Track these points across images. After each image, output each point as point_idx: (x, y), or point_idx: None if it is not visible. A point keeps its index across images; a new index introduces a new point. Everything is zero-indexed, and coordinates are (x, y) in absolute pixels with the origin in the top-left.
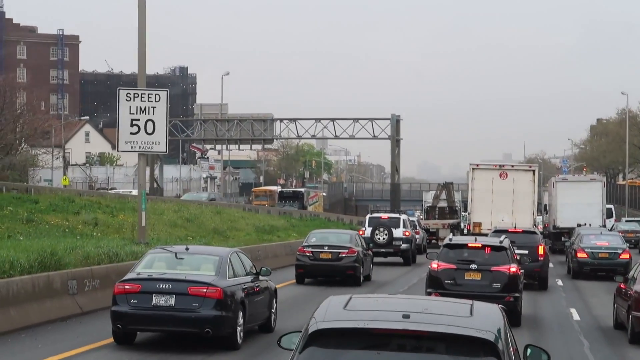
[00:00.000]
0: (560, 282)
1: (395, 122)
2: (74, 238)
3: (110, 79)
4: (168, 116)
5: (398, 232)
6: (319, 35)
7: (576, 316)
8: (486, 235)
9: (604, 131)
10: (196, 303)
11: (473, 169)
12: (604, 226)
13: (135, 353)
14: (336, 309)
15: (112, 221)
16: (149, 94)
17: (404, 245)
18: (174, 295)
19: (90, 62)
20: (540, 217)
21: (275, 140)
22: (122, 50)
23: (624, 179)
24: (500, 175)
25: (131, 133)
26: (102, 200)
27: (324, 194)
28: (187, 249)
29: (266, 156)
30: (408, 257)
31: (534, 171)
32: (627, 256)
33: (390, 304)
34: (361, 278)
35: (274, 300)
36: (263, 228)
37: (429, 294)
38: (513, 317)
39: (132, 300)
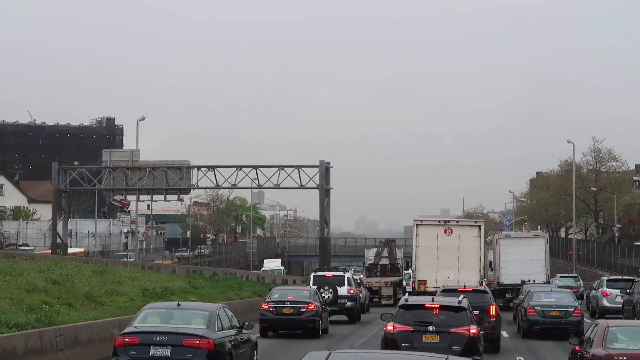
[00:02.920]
0: (511, 343)
1: (325, 169)
2: None
3: (31, 130)
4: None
5: (343, 290)
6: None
7: None
8: (432, 293)
9: (545, 184)
10: (190, 354)
11: (417, 225)
12: (548, 282)
13: None
14: None
15: None
16: None
17: (349, 304)
18: (170, 347)
19: (11, 112)
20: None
21: (192, 190)
22: (47, 99)
23: (566, 232)
24: (445, 231)
25: None
26: None
27: (255, 250)
28: (179, 305)
29: (198, 210)
30: (353, 315)
31: (479, 226)
32: (579, 314)
33: (371, 359)
34: (320, 331)
35: (255, 352)
36: (153, 292)
37: None
38: None
39: (132, 352)
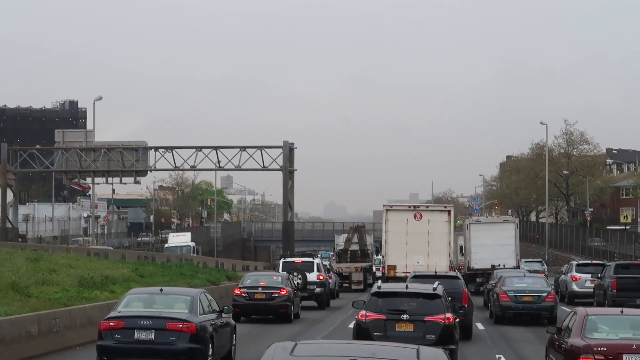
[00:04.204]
0: (482, 329)
1: (288, 150)
2: None
3: None
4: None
5: (312, 276)
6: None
7: None
8: (402, 279)
9: (516, 167)
10: (173, 337)
11: (387, 210)
12: (518, 267)
13: None
14: (282, 355)
15: None
16: None
17: (318, 289)
18: (154, 331)
19: None
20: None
21: (149, 172)
22: (11, 83)
23: (537, 216)
24: (415, 216)
25: None
26: None
27: (219, 235)
28: (161, 290)
29: (163, 194)
30: (323, 301)
31: (449, 211)
32: (552, 299)
33: (337, 350)
34: (292, 316)
35: (234, 335)
36: (91, 281)
37: None
38: None
39: (117, 335)
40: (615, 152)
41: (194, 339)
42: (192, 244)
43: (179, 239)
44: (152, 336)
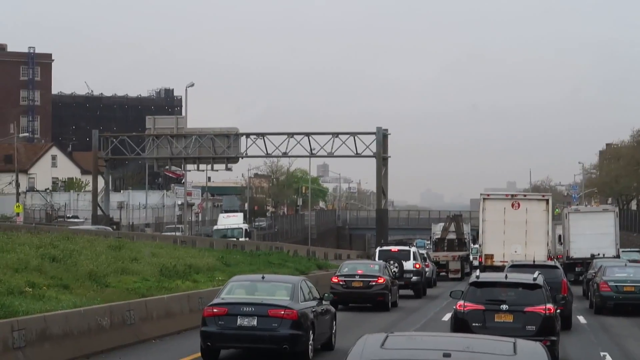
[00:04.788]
0: (583, 320)
1: (382, 137)
2: None
3: (89, 101)
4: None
5: (408, 265)
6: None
7: None
8: (500, 268)
9: (616, 155)
10: (275, 323)
11: (484, 199)
12: (618, 256)
13: None
14: (373, 348)
15: None
16: None
17: (414, 278)
18: (256, 317)
19: (69, 82)
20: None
21: (240, 158)
22: (103, 70)
23: (637, 205)
24: (513, 205)
25: None
26: None
27: (313, 223)
28: (263, 277)
29: (259, 182)
30: (419, 290)
31: (547, 200)
32: None
33: (429, 343)
34: (389, 304)
35: (334, 322)
36: (173, 270)
37: None
38: None
39: (220, 322)
40: None
41: (295, 325)
42: (245, 226)
43: (230, 220)
44: (255, 322)
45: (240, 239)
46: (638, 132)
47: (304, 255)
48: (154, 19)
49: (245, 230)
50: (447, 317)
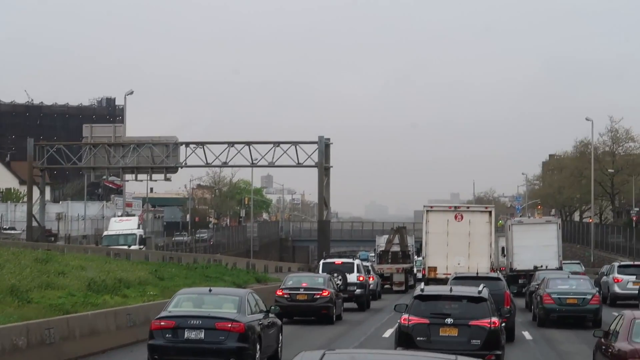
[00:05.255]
0: (526, 332)
1: (324, 146)
2: None
3: (29, 110)
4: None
5: (352, 277)
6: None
7: None
8: (443, 280)
9: (559, 166)
10: (222, 336)
11: (427, 210)
12: (561, 268)
13: None
14: None
15: None
16: None
17: (358, 291)
18: (204, 330)
19: (9, 91)
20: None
21: (179, 168)
22: (44, 79)
23: (580, 216)
24: (456, 217)
25: None
26: None
27: (255, 235)
28: (210, 290)
29: (202, 193)
30: (363, 303)
31: (490, 212)
32: (597, 302)
33: None
34: (334, 317)
35: (280, 335)
36: (103, 284)
37: None
38: None
39: (167, 335)
40: None
41: (242, 338)
42: (139, 231)
43: (122, 225)
44: (202, 335)
45: (132, 247)
46: (581, 143)
47: (244, 268)
48: (100, 29)
49: (140, 236)
50: (389, 333)
